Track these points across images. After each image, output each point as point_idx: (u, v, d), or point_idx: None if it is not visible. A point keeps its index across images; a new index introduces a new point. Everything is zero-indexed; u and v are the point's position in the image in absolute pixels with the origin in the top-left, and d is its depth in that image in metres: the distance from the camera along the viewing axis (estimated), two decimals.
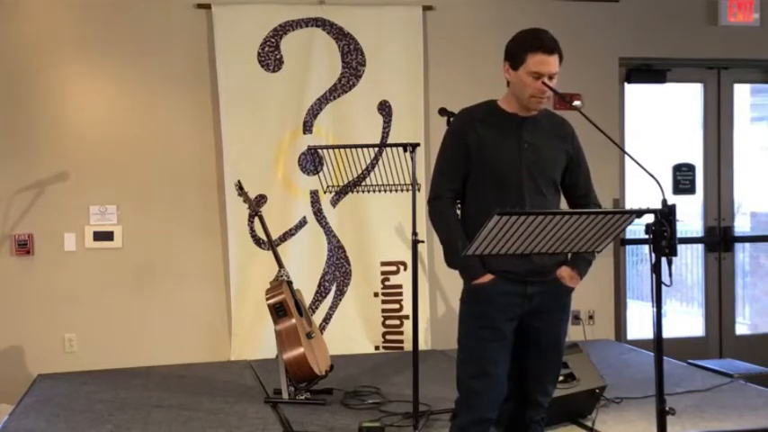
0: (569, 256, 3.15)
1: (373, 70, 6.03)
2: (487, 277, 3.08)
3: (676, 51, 6.58)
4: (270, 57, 5.90)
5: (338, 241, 6.07)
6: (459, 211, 3.27)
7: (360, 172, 5.78)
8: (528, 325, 3.16)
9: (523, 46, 3.07)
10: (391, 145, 4.69)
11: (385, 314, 6.10)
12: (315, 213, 6.03)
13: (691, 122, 6.96)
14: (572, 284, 3.18)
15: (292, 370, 4.59)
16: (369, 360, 5.76)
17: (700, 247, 6.98)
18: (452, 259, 3.15)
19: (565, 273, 3.15)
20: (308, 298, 5.76)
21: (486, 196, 3.11)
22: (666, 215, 2.57)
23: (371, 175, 5.67)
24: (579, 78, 6.09)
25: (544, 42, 3.04)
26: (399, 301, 6.08)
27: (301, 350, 4.56)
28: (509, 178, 3.10)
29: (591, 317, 6.44)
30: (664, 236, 2.56)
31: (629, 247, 6.80)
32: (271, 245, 4.92)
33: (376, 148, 5.78)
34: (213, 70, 5.86)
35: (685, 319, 7.19)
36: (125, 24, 5.80)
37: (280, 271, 4.79)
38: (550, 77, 3.05)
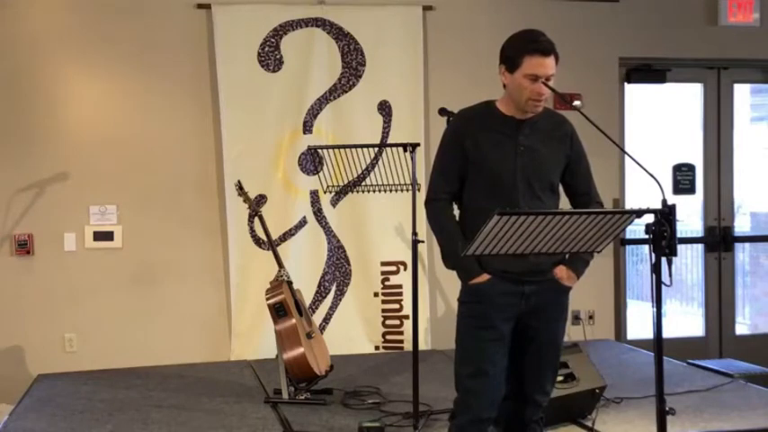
0: (567, 255, 3.15)
1: (373, 70, 6.02)
2: (484, 277, 3.08)
3: (676, 51, 6.58)
4: (270, 57, 5.90)
5: (338, 241, 6.07)
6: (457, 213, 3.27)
7: (360, 172, 5.78)
8: (526, 324, 3.16)
9: (519, 48, 3.04)
10: (391, 145, 4.69)
11: (385, 314, 6.10)
12: (315, 213, 6.03)
13: (691, 122, 6.96)
14: (569, 284, 3.18)
15: (292, 370, 4.59)
16: (369, 360, 5.75)
17: (700, 247, 6.97)
18: (450, 260, 3.16)
19: (562, 272, 3.14)
20: (308, 298, 5.76)
21: (481, 199, 3.11)
22: (666, 215, 2.57)
23: (371, 175, 5.68)
24: (579, 78, 6.09)
25: (540, 44, 3.01)
26: (399, 301, 6.08)
27: (301, 350, 4.56)
28: (503, 181, 3.09)
29: (591, 317, 6.44)
30: (664, 236, 2.56)
31: (629, 247, 6.80)
32: (271, 245, 4.92)
33: (376, 148, 5.78)
34: (213, 70, 5.86)
35: (685, 319, 7.19)
36: (125, 24, 5.80)
37: (280, 271, 4.79)
38: (547, 79, 3.04)
